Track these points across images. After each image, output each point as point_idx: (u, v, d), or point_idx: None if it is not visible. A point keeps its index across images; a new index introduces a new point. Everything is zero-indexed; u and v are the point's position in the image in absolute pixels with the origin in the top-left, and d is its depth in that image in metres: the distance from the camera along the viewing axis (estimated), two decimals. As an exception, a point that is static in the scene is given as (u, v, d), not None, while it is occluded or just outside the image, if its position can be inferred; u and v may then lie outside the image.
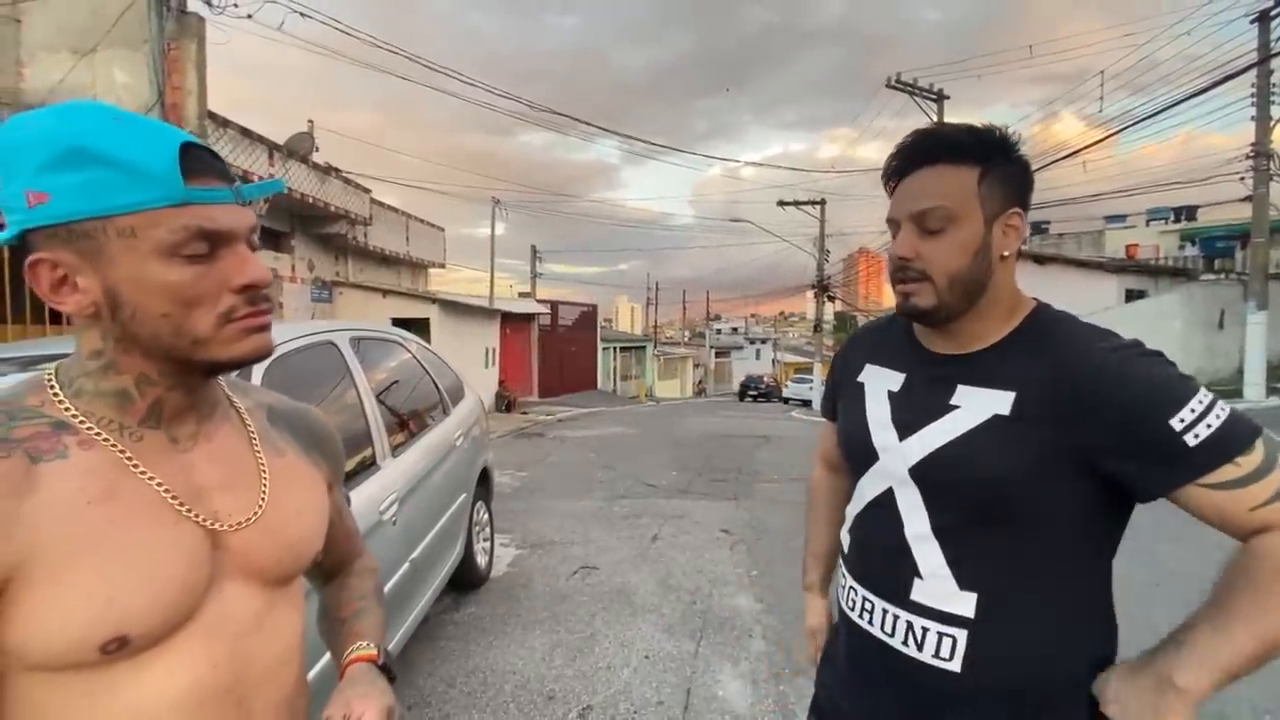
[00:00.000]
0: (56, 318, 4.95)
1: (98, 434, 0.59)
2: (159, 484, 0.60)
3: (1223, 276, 17.05)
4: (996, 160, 0.82)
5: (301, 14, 7.86)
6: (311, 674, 0.85)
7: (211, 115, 7.76)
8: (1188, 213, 24.83)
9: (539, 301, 22.89)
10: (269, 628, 0.66)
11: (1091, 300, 14.54)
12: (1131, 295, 15.74)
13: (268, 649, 0.66)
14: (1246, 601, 0.70)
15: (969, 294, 0.83)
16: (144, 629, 0.56)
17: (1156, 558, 3.83)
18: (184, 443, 0.63)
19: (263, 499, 0.66)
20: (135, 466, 0.59)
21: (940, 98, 16.53)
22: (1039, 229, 25.03)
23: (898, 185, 0.87)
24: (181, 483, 0.61)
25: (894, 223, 0.87)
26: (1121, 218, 25.11)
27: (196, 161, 0.56)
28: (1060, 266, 16.84)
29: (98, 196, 0.53)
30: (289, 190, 10.12)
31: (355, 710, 0.67)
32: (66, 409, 0.59)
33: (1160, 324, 13.25)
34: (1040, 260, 17.00)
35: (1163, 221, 25.35)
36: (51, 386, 0.60)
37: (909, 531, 0.86)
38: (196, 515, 0.61)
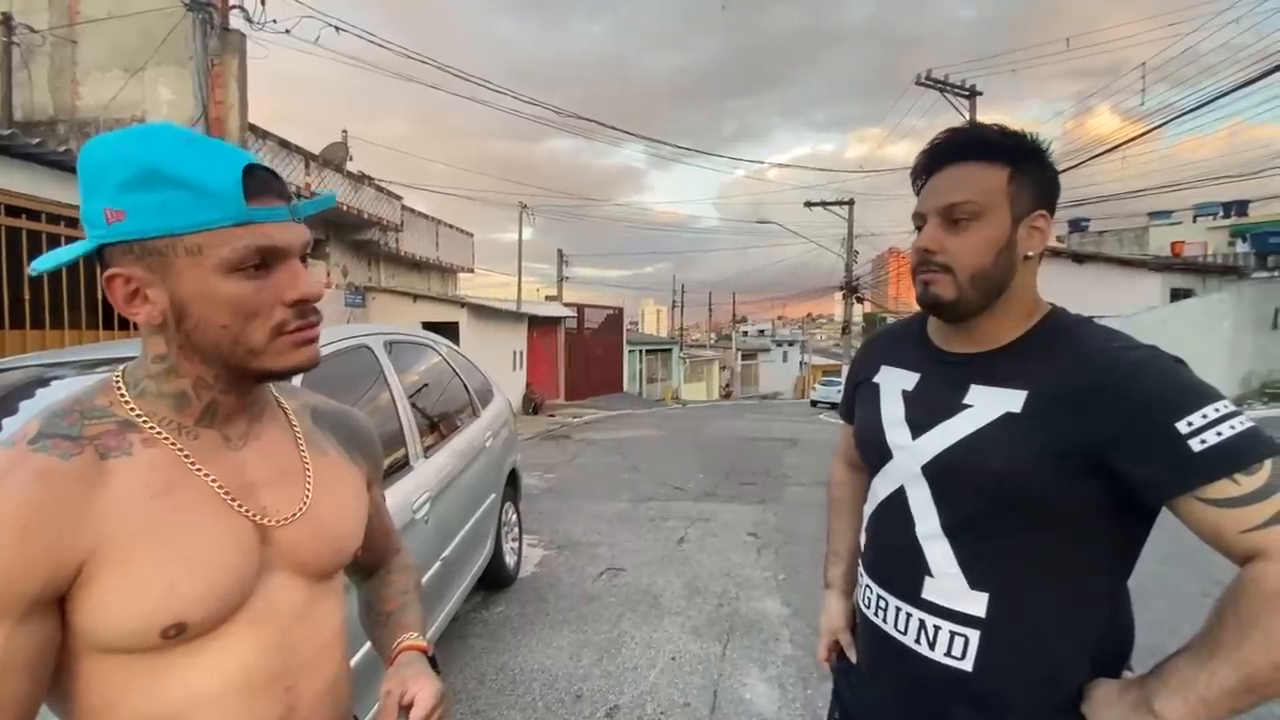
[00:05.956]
0: (110, 323, 5.18)
1: (159, 433, 0.63)
2: (213, 480, 0.63)
3: (1276, 274, 16.30)
4: (1027, 163, 0.83)
5: (337, 28, 8.10)
6: (354, 660, 0.89)
7: (252, 128, 8.05)
8: (1238, 208, 23.81)
9: (565, 305, 23.06)
10: (313, 618, 0.70)
11: (1134, 300, 14.03)
12: (1177, 294, 15.13)
13: (313, 638, 0.69)
14: (1230, 633, 0.67)
15: (989, 291, 0.84)
16: (201, 615, 0.60)
17: (1205, 567, 3.69)
18: (235, 441, 0.67)
19: (307, 496, 0.70)
20: (192, 463, 0.63)
21: (972, 94, 16.16)
22: (1078, 226, 24.27)
23: (926, 182, 0.88)
24: (234, 479, 0.65)
25: (920, 217, 0.88)
26: (1167, 213, 24.18)
27: (257, 182, 0.59)
28: (1100, 265, 16.29)
29: (169, 216, 0.56)
30: (324, 198, 10.39)
31: (411, 689, 0.71)
32: (132, 409, 0.63)
33: (1208, 324, 12.72)
34: (1079, 259, 16.48)
35: (1211, 217, 24.35)
36: (119, 388, 0.65)
37: (920, 530, 0.86)
38: (247, 510, 0.65)
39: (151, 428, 0.63)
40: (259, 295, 0.60)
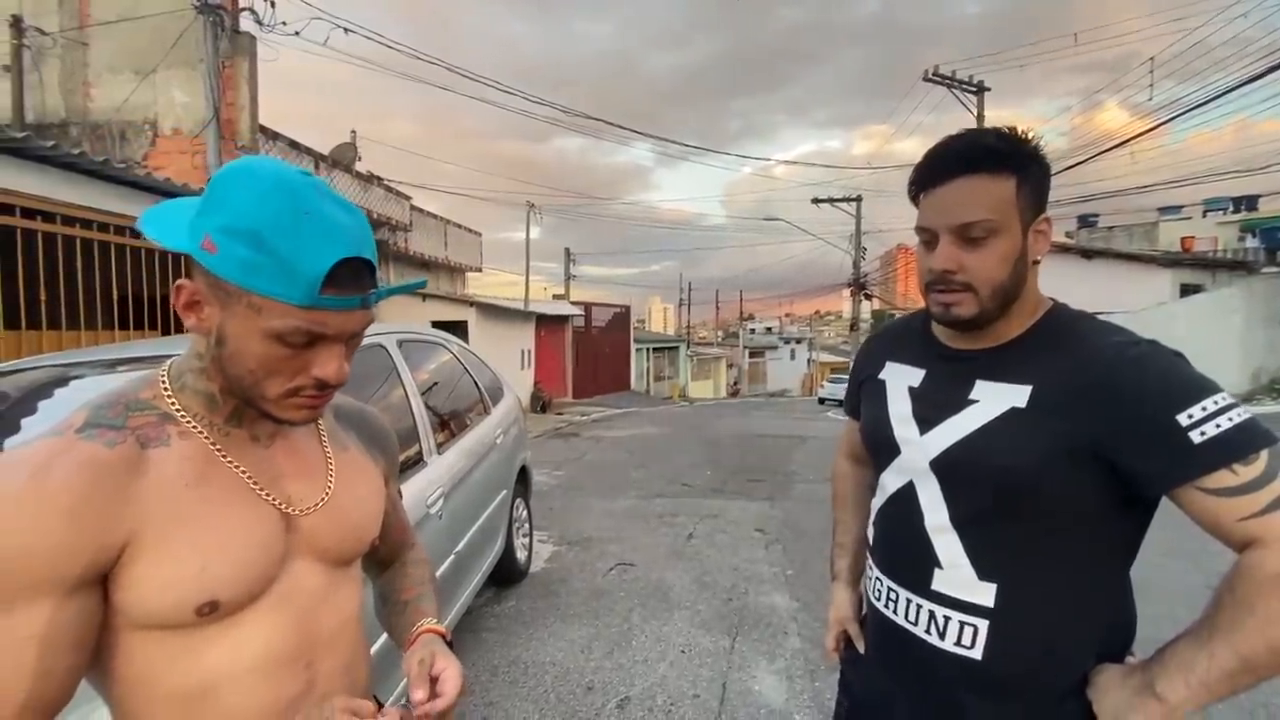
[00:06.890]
0: (125, 324, 5.25)
1: (194, 427, 0.67)
2: (243, 471, 0.68)
3: (1287, 269, 16.14)
4: (1031, 167, 0.82)
5: (346, 29, 8.16)
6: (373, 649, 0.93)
7: (263, 129, 8.11)
8: (1248, 203, 23.59)
9: (573, 303, 23.10)
10: (333, 601, 0.74)
11: (1144, 295, 13.93)
12: (1187, 290, 15.00)
13: (331, 620, 0.74)
14: (1227, 617, 0.69)
15: (1007, 300, 0.85)
16: (231, 595, 0.64)
17: (1208, 559, 3.68)
18: (264, 440, 0.72)
19: (329, 488, 0.75)
20: (223, 455, 0.68)
21: (980, 89, 16.05)
22: (1087, 222, 24.09)
23: (927, 192, 0.86)
24: (262, 471, 0.70)
25: (928, 232, 0.86)
26: (1176, 209, 23.96)
27: (347, 272, 0.62)
28: (1110, 261, 16.17)
29: (248, 274, 0.60)
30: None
31: (439, 664, 0.74)
32: (172, 403, 0.68)
33: (1218, 319, 12.61)
34: (1088, 254, 16.36)
35: (1220, 212, 24.13)
36: (164, 382, 0.69)
37: (929, 523, 0.88)
38: (274, 499, 0.69)
39: (188, 421, 0.67)
40: (288, 362, 0.64)
